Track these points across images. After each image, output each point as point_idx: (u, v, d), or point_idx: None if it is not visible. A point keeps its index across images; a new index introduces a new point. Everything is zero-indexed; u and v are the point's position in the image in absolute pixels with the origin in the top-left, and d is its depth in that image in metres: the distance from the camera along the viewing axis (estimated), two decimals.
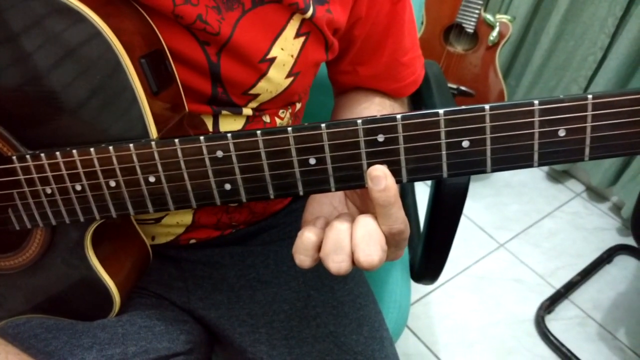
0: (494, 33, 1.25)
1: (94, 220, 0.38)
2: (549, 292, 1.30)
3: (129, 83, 0.33)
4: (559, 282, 1.32)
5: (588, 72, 1.45)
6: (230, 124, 0.45)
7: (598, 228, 1.50)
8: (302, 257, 0.34)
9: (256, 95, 0.44)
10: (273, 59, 0.42)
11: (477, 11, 1.25)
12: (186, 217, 0.49)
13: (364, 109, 0.53)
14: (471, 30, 1.28)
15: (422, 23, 1.35)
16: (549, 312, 1.25)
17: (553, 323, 1.22)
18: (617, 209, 1.56)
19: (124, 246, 0.44)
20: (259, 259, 0.54)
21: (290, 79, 0.45)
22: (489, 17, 1.26)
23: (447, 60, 1.34)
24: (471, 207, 1.52)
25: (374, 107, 0.53)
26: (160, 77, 0.36)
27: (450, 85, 1.36)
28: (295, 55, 0.43)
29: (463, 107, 0.30)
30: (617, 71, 1.35)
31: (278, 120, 0.50)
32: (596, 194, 1.61)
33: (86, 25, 0.32)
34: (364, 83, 0.54)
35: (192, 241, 0.52)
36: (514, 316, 1.25)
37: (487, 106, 0.30)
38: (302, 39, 0.43)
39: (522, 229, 1.48)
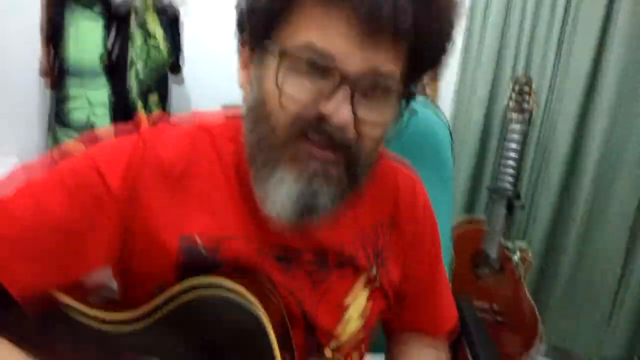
0: (516, 258, 1.43)
1: None
2: None
3: (272, 350, 0.48)
4: None
5: (611, 286, 1.57)
6: None
7: None
8: None
9: (336, 339, 0.58)
10: (350, 314, 0.57)
11: (497, 243, 1.45)
12: None
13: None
14: (495, 260, 1.45)
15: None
16: None
17: None
18: None
19: None
20: None
21: (361, 327, 0.59)
22: (509, 245, 1.46)
23: (478, 285, 1.49)
24: None
25: (423, 357, 0.66)
26: (286, 339, 0.52)
27: (482, 307, 1.48)
28: (364, 308, 0.59)
29: None
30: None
31: None
32: None
33: (253, 319, 0.48)
34: (410, 328, 0.68)
35: None
36: None
37: None
38: (368, 296, 0.59)
39: None
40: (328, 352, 0.59)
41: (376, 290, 0.60)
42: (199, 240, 0.52)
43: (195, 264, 0.51)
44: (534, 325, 1.45)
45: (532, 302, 1.46)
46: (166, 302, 0.50)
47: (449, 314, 0.70)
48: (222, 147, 0.56)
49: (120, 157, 0.52)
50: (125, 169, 0.51)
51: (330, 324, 0.57)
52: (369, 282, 0.59)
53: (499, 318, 1.47)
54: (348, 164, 0.48)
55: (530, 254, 1.47)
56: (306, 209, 0.48)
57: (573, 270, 1.64)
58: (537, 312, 1.46)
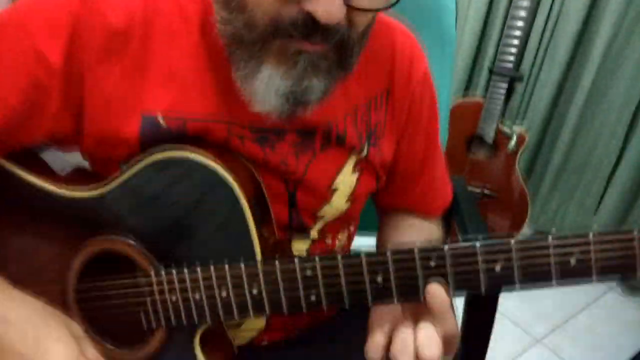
0: (512, 143, 1.39)
1: (205, 323, 0.48)
2: None
3: (245, 220, 0.46)
4: None
5: (606, 171, 1.55)
6: (300, 245, 0.57)
7: (636, 321, 1.49)
8: (374, 355, 0.43)
9: (322, 217, 0.56)
10: (336, 189, 0.55)
11: (495, 123, 1.41)
12: (261, 322, 0.59)
13: (406, 233, 0.64)
14: (490, 141, 1.42)
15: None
16: None
17: None
18: None
19: (217, 345, 0.53)
20: (317, 357, 0.62)
21: (348, 204, 0.57)
22: (506, 128, 1.41)
23: (471, 166, 1.48)
24: (504, 302, 1.54)
25: (415, 231, 0.64)
26: (263, 213, 0.49)
27: (474, 189, 1.48)
28: (352, 186, 0.56)
29: (495, 240, 0.41)
30: (636, 166, 1.46)
31: (337, 242, 0.61)
32: (632, 287, 1.62)
33: (219, 179, 0.45)
34: (404, 206, 0.66)
35: (264, 343, 0.61)
36: None
37: (512, 240, 0.40)
38: (357, 173, 0.56)
39: (558, 323, 1.49)
40: (313, 232, 0.57)
41: (366, 170, 0.56)
42: (161, 119, 0.47)
43: (160, 142, 0.47)
44: (524, 207, 1.47)
45: (524, 184, 1.46)
46: (131, 166, 0.47)
47: (443, 194, 0.67)
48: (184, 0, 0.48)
49: (59, 26, 0.44)
50: (65, 40, 0.44)
51: (315, 204, 0.54)
52: (359, 162, 0.55)
53: (488, 192, 1.48)
54: (339, 52, 0.43)
55: (527, 138, 1.44)
56: (298, 104, 0.44)
57: (568, 154, 1.62)
58: (527, 195, 1.47)
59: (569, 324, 1.48)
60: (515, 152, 1.42)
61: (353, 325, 0.50)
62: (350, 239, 0.65)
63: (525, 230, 1.57)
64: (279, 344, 0.62)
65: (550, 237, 0.40)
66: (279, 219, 0.53)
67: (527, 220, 1.48)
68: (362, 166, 0.56)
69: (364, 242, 0.78)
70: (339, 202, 0.56)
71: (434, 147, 0.63)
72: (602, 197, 1.60)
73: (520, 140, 1.42)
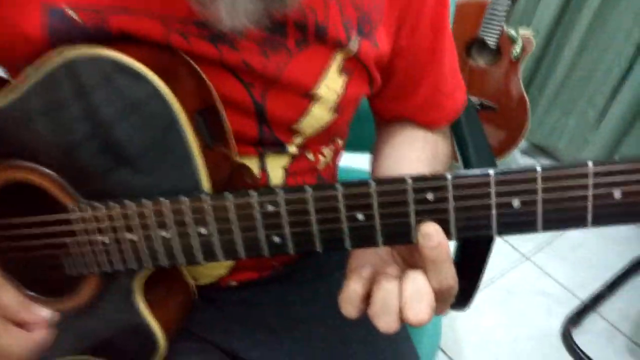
0: (517, 48, 1.24)
1: (145, 268, 0.39)
2: (575, 304, 1.29)
3: (184, 139, 0.35)
4: (586, 295, 1.31)
5: (613, 82, 1.43)
6: (275, 163, 0.46)
7: (625, 238, 1.48)
8: (349, 308, 0.34)
9: (300, 131, 0.46)
10: (318, 96, 0.43)
11: (499, 26, 1.25)
12: None
13: (407, 145, 0.53)
14: (493, 45, 1.27)
15: None
16: (576, 326, 1.24)
17: (580, 337, 1.21)
18: None
19: (169, 289, 0.45)
20: (296, 298, 0.55)
21: (333, 114, 0.46)
22: (511, 31, 1.26)
23: (469, 74, 1.34)
24: None
25: (418, 143, 0.53)
26: (214, 131, 0.38)
27: (472, 99, 1.35)
28: (339, 92, 0.44)
29: (514, 167, 0.30)
30: None
31: (321, 158, 0.51)
32: None
33: (144, 84, 0.34)
34: (405, 114, 0.54)
35: (233, 283, 0.53)
36: (540, 330, 1.24)
37: (538, 167, 0.30)
38: (345, 76, 0.44)
39: (546, 240, 1.47)
40: (291, 147, 0.46)
41: (357, 71, 0.44)
42: (71, 12, 0.36)
43: (77, 42, 0.35)
44: (522, 119, 1.37)
45: (525, 95, 1.34)
46: (34, 70, 0.35)
47: (453, 100, 0.55)
48: None
49: None
50: None
51: (290, 116, 0.43)
52: (347, 60, 0.43)
53: (487, 102, 1.36)
54: None
55: (533, 43, 1.29)
56: (276, 7, 0.36)
57: (573, 64, 1.49)
58: (527, 106, 1.35)
59: (557, 240, 1.46)
60: (518, 59, 1.28)
61: (339, 262, 0.41)
62: (336, 153, 0.55)
63: (522, 144, 1.48)
64: (249, 284, 0.54)
65: (590, 163, 0.29)
66: (246, 134, 0.43)
67: (523, 134, 1.38)
68: (351, 66, 0.44)
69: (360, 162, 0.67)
70: (320, 114, 0.45)
71: (442, 40, 0.50)
72: (606, 110, 1.49)
73: (527, 45, 1.27)
